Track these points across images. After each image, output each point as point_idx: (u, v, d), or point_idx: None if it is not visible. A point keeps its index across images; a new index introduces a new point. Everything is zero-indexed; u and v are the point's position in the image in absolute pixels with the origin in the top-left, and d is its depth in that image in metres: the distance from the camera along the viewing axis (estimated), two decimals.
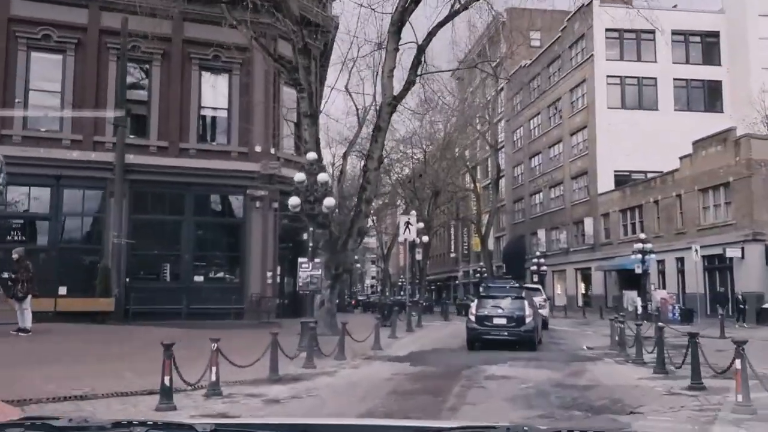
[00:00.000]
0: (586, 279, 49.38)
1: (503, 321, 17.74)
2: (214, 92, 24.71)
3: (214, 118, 25.28)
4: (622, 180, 45.26)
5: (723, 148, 33.16)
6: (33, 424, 2.03)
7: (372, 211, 58.99)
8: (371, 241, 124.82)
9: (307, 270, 15.32)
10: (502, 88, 60.76)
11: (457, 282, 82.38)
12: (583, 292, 50.15)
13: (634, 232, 42.03)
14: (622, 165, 45.83)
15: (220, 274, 24.72)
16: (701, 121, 42.73)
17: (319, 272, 17.72)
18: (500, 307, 17.99)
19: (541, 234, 54.75)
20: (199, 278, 23.83)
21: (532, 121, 58.54)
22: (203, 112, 24.84)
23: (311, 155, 15.41)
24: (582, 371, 13.26)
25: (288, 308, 24.37)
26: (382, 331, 18.42)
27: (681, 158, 36.95)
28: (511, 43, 54.14)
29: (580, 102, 49.22)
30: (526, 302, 18.42)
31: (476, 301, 19.34)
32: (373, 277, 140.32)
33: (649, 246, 34.43)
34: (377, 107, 38.76)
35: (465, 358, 15.47)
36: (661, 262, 37.84)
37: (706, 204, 34.98)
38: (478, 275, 63.44)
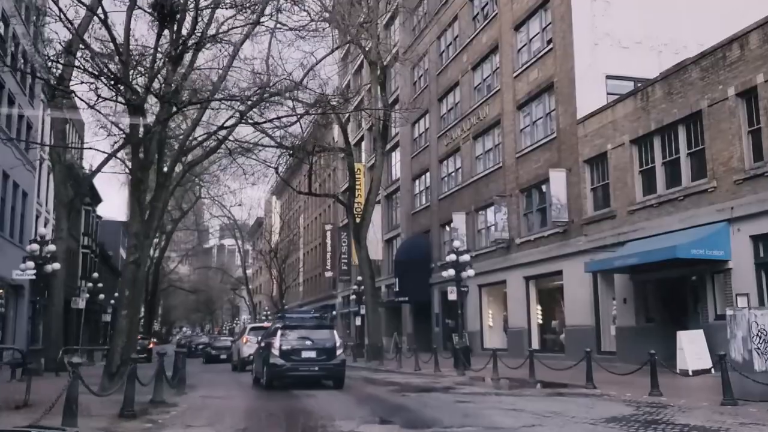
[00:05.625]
0: (550, 295, 25.70)
1: (312, 354, 15.99)
2: None
3: None
4: (618, 94, 22.19)
5: None
6: None
7: None
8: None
9: None
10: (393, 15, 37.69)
11: (335, 312, 57.50)
12: (541, 321, 26.35)
13: (675, 181, 18.73)
14: (620, 65, 22.98)
15: None
16: None
17: None
18: (308, 339, 16.21)
19: (459, 220, 30.88)
20: None
21: (443, 38, 35.18)
22: None
23: None
24: None
25: None
26: None
27: None
28: None
29: None
30: (334, 331, 17.12)
31: (278, 333, 16.33)
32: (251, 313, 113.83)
33: None
34: None
35: None
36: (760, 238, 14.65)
37: None
38: (354, 296, 38.81)
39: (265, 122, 17.38)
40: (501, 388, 15.76)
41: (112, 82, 12.10)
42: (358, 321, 37.27)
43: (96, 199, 53.86)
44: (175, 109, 14.12)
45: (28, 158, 31.49)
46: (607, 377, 14.86)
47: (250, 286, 79.65)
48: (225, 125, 16.70)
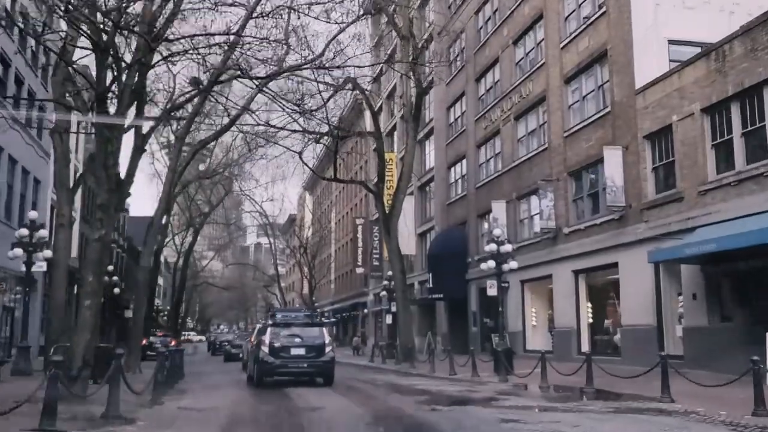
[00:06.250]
0: (602, 291, 22.81)
1: (302, 351, 16.12)
2: None
3: None
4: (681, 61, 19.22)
5: None
6: None
7: None
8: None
9: None
10: None
11: (366, 311, 55.17)
12: (592, 320, 23.45)
13: (759, 154, 15.77)
14: (684, 29, 20.10)
15: None
16: None
17: None
18: (298, 336, 16.34)
19: (499, 210, 28.14)
20: None
21: (481, 12, 32.46)
22: None
23: None
24: None
25: None
26: None
27: None
28: None
29: None
30: (324, 329, 17.25)
31: (268, 330, 16.51)
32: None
33: None
34: None
35: None
36: None
37: None
38: (384, 293, 36.28)
39: (266, 78, 14.89)
40: (552, 399, 13.08)
41: (64, 10, 9.78)
42: (389, 319, 34.77)
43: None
44: (157, 56, 11.77)
45: (39, 143, 29.72)
46: (683, 388, 12.08)
47: (283, 284, 77.77)
48: (221, 80, 14.25)
